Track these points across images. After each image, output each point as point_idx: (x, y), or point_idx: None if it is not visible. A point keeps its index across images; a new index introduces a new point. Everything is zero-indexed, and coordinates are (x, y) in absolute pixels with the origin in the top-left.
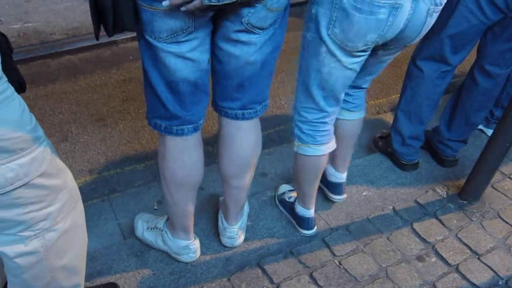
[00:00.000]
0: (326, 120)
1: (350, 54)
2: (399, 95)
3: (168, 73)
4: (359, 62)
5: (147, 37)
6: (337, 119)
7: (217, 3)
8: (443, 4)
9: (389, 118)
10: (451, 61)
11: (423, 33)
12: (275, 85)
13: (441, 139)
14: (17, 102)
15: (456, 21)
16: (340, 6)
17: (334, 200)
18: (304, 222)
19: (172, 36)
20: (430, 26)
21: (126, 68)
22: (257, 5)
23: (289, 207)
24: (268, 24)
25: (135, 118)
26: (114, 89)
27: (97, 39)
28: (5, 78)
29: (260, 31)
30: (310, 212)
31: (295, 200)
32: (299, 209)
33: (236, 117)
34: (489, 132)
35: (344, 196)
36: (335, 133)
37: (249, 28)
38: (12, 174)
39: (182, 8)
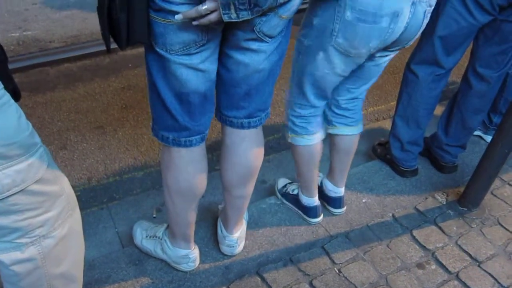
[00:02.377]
0: (317, 113)
1: (350, 58)
2: None
3: (179, 85)
4: (351, 68)
5: (158, 49)
6: (336, 134)
7: (237, 19)
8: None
9: (388, 125)
10: (444, 63)
11: (419, 33)
12: (274, 92)
13: (440, 145)
14: (13, 109)
15: (445, 23)
16: (344, 19)
17: (335, 213)
18: (311, 211)
19: (184, 48)
20: (424, 26)
21: (125, 76)
22: (269, 13)
23: (294, 199)
24: (277, 32)
25: (134, 126)
26: (113, 97)
27: (109, 51)
28: (1, 85)
29: (270, 40)
30: (315, 200)
31: (298, 192)
32: (305, 199)
33: (241, 126)
34: (488, 138)
35: (344, 208)
36: (334, 148)
37: (260, 36)
38: (9, 180)
39: (195, 22)
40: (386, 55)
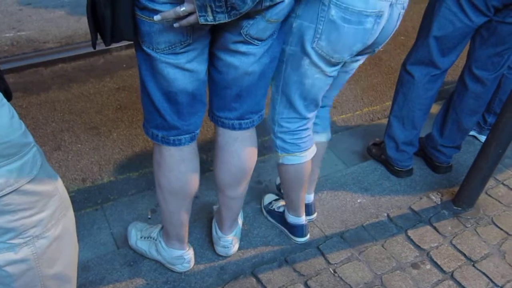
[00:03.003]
0: (307, 125)
1: (332, 64)
2: None
3: (166, 84)
4: (338, 68)
5: (145, 47)
6: None
7: (213, 22)
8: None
9: (383, 125)
10: (440, 64)
11: (390, 36)
12: (269, 94)
13: (434, 145)
14: (6, 108)
15: (441, 24)
16: (328, 18)
17: (308, 220)
18: (297, 230)
19: (170, 47)
20: (396, 29)
21: (119, 76)
22: (257, 16)
23: (279, 217)
24: (267, 36)
25: (129, 126)
26: (107, 98)
27: (94, 47)
28: None
29: (259, 43)
30: (302, 219)
31: (284, 210)
32: (291, 218)
33: (233, 127)
34: (483, 138)
35: (315, 215)
36: None
37: (247, 39)
38: (2, 180)
39: (176, 24)
40: (357, 60)
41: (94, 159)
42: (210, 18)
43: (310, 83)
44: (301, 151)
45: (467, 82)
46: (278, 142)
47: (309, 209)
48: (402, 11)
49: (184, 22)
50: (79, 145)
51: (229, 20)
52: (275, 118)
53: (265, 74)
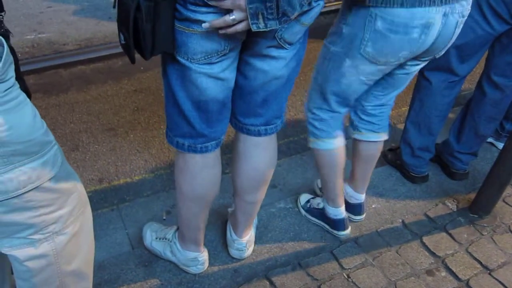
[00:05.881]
0: (339, 118)
1: (377, 66)
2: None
3: (198, 93)
4: (377, 76)
5: (179, 58)
6: (361, 140)
7: (265, 29)
8: (468, 15)
9: (399, 130)
10: (459, 71)
11: (450, 44)
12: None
13: (451, 152)
14: (29, 107)
15: (462, 31)
16: (374, 29)
17: (354, 220)
18: (339, 224)
19: (206, 57)
20: (456, 36)
21: (137, 78)
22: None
23: (319, 213)
24: (297, 39)
25: (145, 128)
26: (125, 99)
27: (133, 62)
28: (17, 85)
29: (289, 46)
30: (342, 210)
31: (323, 206)
32: (331, 211)
33: (258, 134)
34: (500, 145)
35: (363, 216)
36: (357, 154)
37: (281, 43)
38: (25, 177)
39: (222, 31)
40: (417, 64)
41: (111, 160)
42: (262, 25)
43: (347, 83)
44: (330, 138)
45: (485, 88)
46: (310, 127)
47: (359, 209)
48: (461, 19)
49: (232, 30)
50: (97, 146)
51: (279, 26)
52: (309, 105)
53: (291, 78)
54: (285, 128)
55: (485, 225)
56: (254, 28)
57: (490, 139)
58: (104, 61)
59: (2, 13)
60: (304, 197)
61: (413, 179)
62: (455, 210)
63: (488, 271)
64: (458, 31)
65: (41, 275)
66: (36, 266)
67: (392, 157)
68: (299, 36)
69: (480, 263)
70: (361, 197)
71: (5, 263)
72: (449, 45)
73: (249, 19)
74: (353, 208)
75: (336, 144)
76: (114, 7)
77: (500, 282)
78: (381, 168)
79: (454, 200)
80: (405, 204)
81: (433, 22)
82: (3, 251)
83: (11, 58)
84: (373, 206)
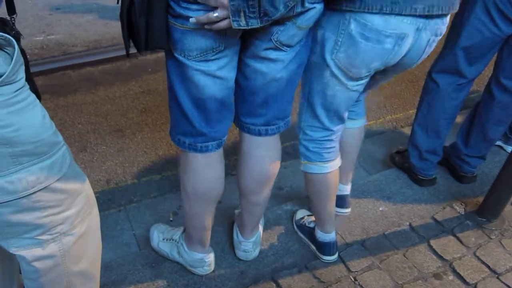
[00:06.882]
0: (332, 137)
1: (352, 79)
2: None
3: (196, 91)
4: (362, 84)
5: (176, 55)
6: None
7: (246, 27)
8: (442, 35)
9: (406, 133)
10: (467, 73)
11: (420, 61)
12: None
13: (459, 155)
14: (38, 108)
15: (469, 34)
16: (347, 32)
17: (338, 213)
18: (325, 248)
19: (202, 54)
20: (427, 55)
21: (144, 80)
22: (287, 22)
23: (309, 233)
24: (295, 42)
25: (153, 129)
26: (132, 101)
27: (128, 55)
28: (27, 86)
29: (288, 49)
30: (331, 236)
31: (315, 226)
32: (319, 234)
33: (259, 133)
34: (509, 148)
35: (349, 210)
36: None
37: (278, 45)
38: (34, 177)
39: (207, 27)
40: (386, 77)
41: (118, 161)
42: (243, 23)
43: (332, 94)
44: (323, 161)
45: (494, 91)
46: (302, 149)
47: (343, 201)
48: (434, 38)
49: (215, 27)
50: (104, 147)
51: (261, 25)
52: (300, 125)
53: (292, 80)
54: (290, 130)
55: (493, 228)
56: (234, 25)
57: (498, 142)
58: (112, 63)
59: (14, 16)
60: (300, 213)
61: (421, 182)
62: (463, 213)
63: (496, 275)
64: (429, 50)
65: (48, 275)
66: (43, 266)
67: (399, 160)
68: (297, 39)
69: (488, 267)
70: (345, 188)
71: (14, 263)
72: (418, 62)
73: (230, 16)
74: (337, 200)
75: (329, 168)
76: (117, 2)
77: (508, 286)
78: (388, 171)
79: (462, 204)
80: (413, 207)
81: (407, 33)
82: (11, 251)
83: (21, 59)
84: (380, 209)
